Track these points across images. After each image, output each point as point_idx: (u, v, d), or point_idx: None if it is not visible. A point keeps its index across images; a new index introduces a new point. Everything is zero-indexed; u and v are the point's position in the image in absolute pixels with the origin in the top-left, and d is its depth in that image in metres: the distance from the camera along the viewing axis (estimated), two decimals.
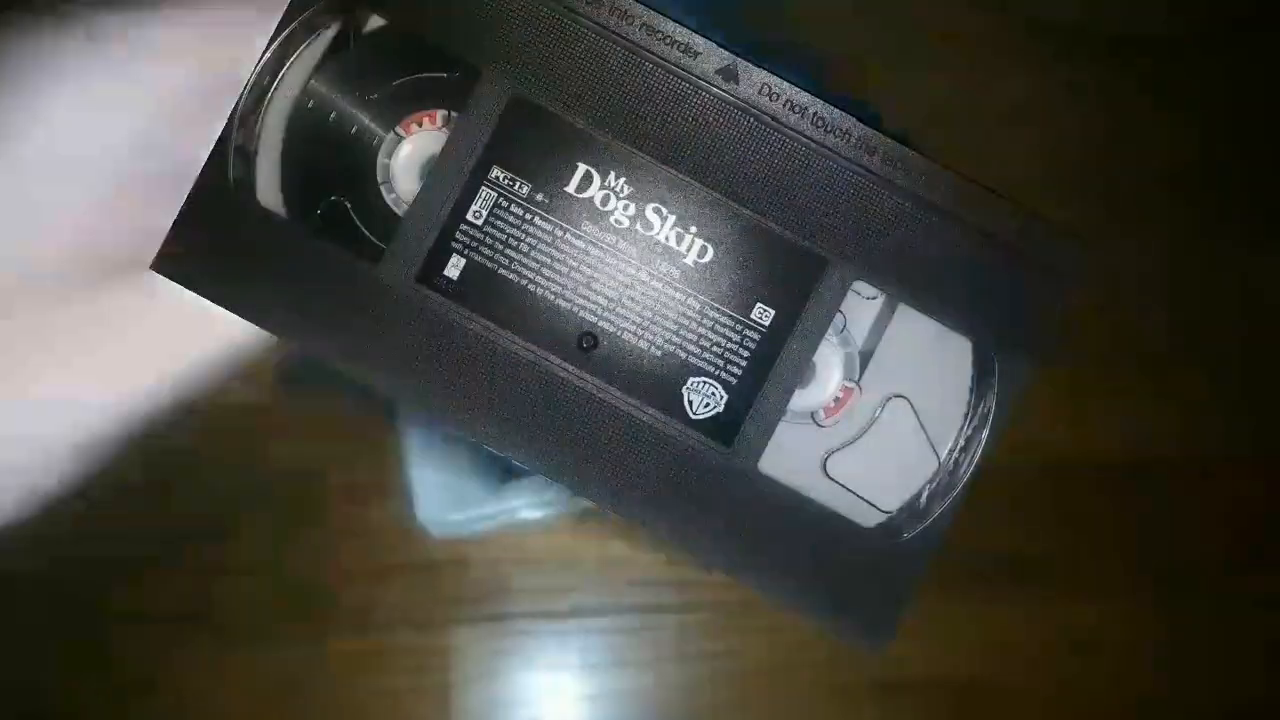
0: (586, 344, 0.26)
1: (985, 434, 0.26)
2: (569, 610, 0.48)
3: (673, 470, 0.26)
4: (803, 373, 0.26)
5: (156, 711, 0.46)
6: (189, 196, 0.25)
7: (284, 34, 0.26)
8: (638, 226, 0.26)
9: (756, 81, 0.26)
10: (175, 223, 0.25)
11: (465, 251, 0.26)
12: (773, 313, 0.26)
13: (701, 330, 0.26)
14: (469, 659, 0.48)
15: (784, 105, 0.26)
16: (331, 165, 0.27)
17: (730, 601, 0.48)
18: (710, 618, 0.48)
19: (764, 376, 0.26)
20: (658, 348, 0.26)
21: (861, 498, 0.27)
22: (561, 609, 0.48)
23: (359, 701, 0.47)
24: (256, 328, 0.25)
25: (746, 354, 0.26)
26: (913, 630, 0.47)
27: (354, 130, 0.27)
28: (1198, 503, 0.51)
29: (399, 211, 0.27)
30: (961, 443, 0.27)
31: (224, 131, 0.25)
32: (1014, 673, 0.49)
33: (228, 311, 0.25)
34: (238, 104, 0.25)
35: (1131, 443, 0.51)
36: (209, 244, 0.25)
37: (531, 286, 0.26)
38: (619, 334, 0.26)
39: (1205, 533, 0.51)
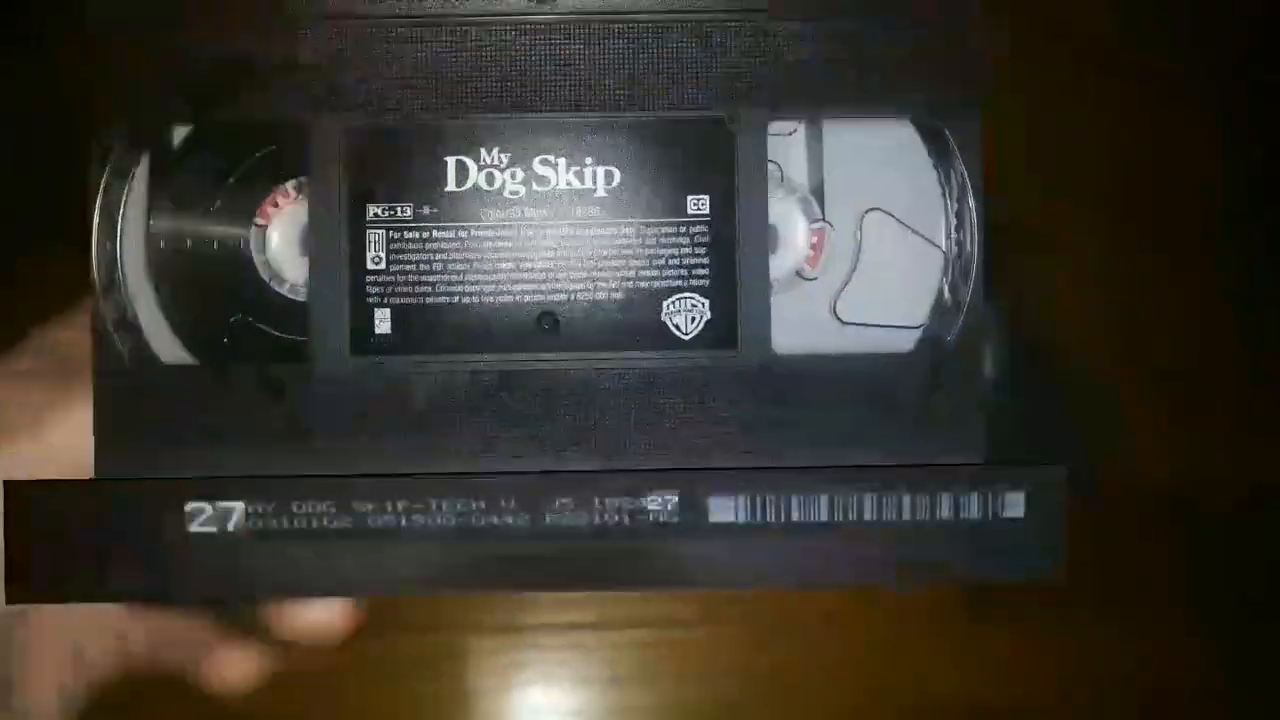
0: (547, 325, 0.24)
1: (971, 200, 0.24)
2: (591, 622, 0.48)
3: (701, 402, 0.24)
4: (767, 240, 0.24)
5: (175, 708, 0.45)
6: (96, 401, 0.23)
7: (99, 193, 0.24)
8: (535, 186, 0.24)
9: None
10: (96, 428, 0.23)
11: (385, 301, 0.24)
12: (706, 198, 0.24)
13: (648, 251, 0.24)
14: (489, 669, 0.47)
15: None
16: (214, 290, 0.25)
17: (759, 616, 0.48)
18: (738, 632, 0.48)
19: (732, 263, 0.24)
20: (617, 291, 0.24)
21: (889, 326, 0.25)
22: (584, 621, 0.48)
23: (380, 706, 0.47)
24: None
25: (704, 250, 0.24)
26: (950, 656, 0.48)
27: (215, 245, 0.25)
28: (1251, 533, 0.50)
29: (301, 298, 0.25)
30: (954, 220, 0.25)
31: (94, 321, 0.23)
32: (1051, 700, 0.49)
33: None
34: (94, 283, 0.23)
35: (1180, 471, 0.50)
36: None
37: (465, 299, 0.24)
38: (573, 299, 0.24)
39: (1256, 565, 0.50)
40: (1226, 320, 0.52)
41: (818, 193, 0.26)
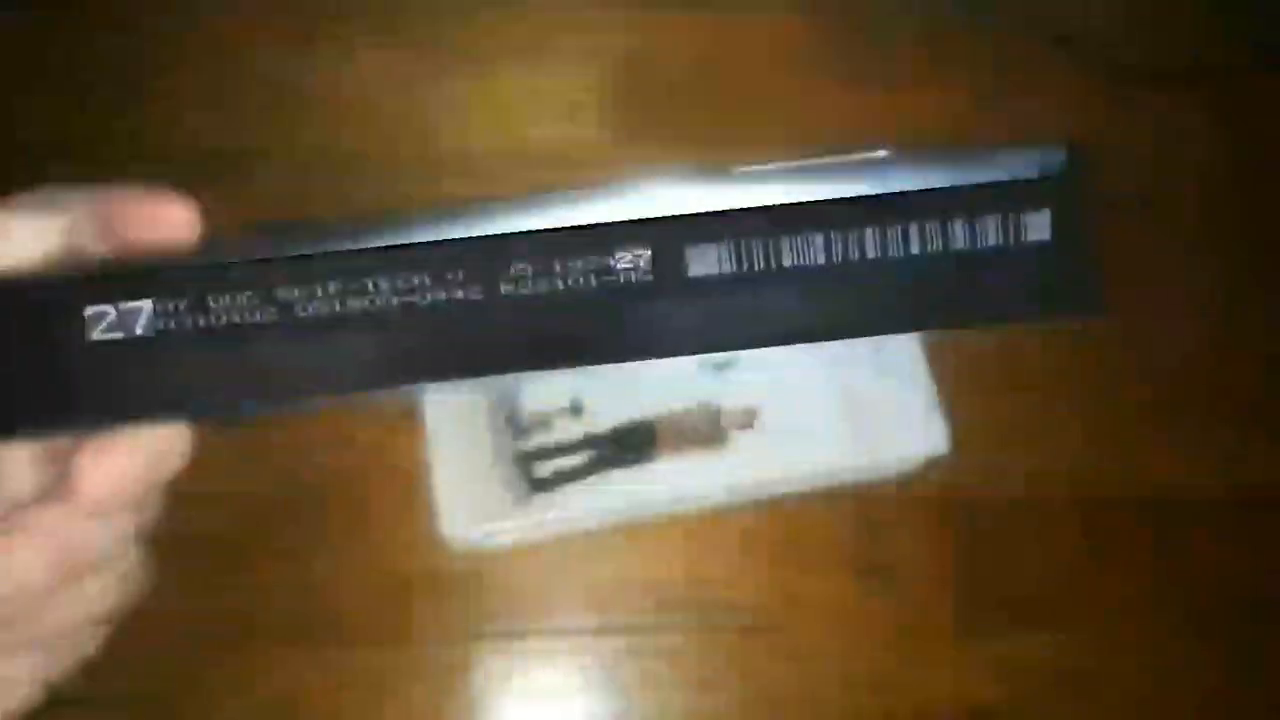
0: None
1: None
2: (594, 628, 0.47)
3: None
4: None
5: None
6: None
7: None
8: None
9: None
10: None
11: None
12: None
13: None
14: (490, 676, 0.46)
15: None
16: None
17: (761, 625, 0.47)
18: (739, 640, 0.46)
19: None
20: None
21: None
22: (586, 626, 0.46)
23: (378, 715, 0.45)
24: None
25: None
26: (949, 658, 0.46)
27: None
28: (1248, 533, 0.49)
29: None
30: None
31: None
32: (1049, 702, 0.47)
33: None
34: None
35: (1178, 475, 0.49)
36: None
37: None
38: None
39: (1255, 566, 0.49)
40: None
41: None
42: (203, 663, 0.45)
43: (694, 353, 0.20)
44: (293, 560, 0.46)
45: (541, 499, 0.43)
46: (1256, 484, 0.49)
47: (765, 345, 0.20)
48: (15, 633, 0.22)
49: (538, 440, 0.43)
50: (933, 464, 0.45)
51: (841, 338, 0.20)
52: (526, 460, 0.43)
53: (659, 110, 0.52)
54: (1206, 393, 0.49)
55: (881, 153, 0.26)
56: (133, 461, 0.21)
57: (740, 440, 0.43)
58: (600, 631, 0.46)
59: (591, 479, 0.43)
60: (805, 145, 0.51)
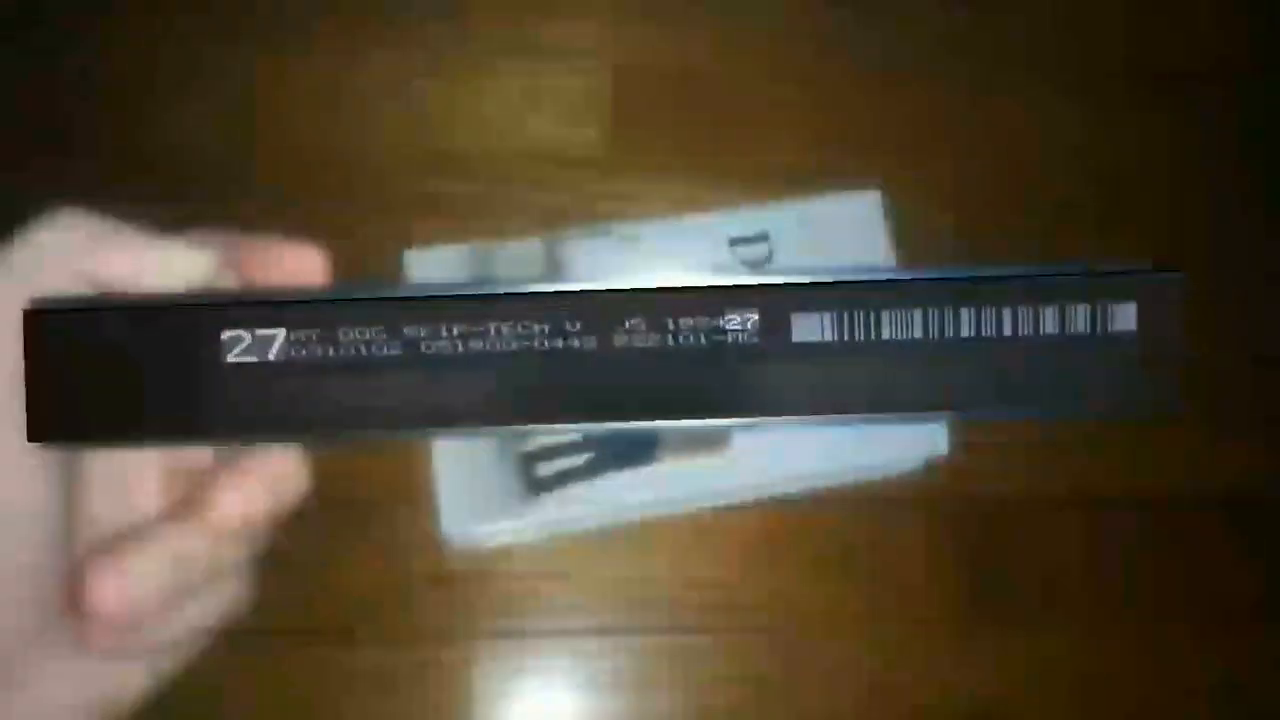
0: None
1: None
2: (595, 629, 0.47)
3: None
4: None
5: None
6: None
7: None
8: None
9: None
10: None
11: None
12: None
13: None
14: (491, 675, 0.46)
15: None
16: None
17: (763, 625, 0.47)
18: (741, 640, 0.47)
19: None
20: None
21: None
22: (587, 627, 0.47)
23: (379, 713, 0.46)
24: None
25: None
26: (951, 659, 0.47)
27: None
28: (1249, 536, 0.49)
29: None
30: None
31: None
32: (1051, 701, 0.48)
33: None
34: None
35: (1178, 475, 0.50)
36: None
37: None
38: None
39: (1255, 566, 0.49)
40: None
41: None
42: (203, 663, 0.45)
43: (795, 414, 0.21)
44: (294, 560, 0.46)
45: (543, 499, 0.43)
46: (1257, 484, 0.49)
47: (859, 412, 0.21)
48: (130, 640, 0.23)
49: (539, 441, 0.43)
50: (933, 465, 0.45)
51: (927, 411, 0.22)
52: (528, 461, 0.43)
53: (658, 113, 0.52)
54: (1206, 393, 0.50)
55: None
56: (262, 490, 0.23)
57: (741, 441, 0.43)
58: (601, 632, 0.46)
59: (593, 480, 0.43)
60: (808, 149, 0.52)
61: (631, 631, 0.46)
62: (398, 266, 0.45)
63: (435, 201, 0.49)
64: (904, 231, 0.47)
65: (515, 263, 0.46)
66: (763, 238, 0.46)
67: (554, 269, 0.45)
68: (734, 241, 0.46)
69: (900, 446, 0.44)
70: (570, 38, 0.53)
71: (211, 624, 0.25)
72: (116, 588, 0.22)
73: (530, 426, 0.21)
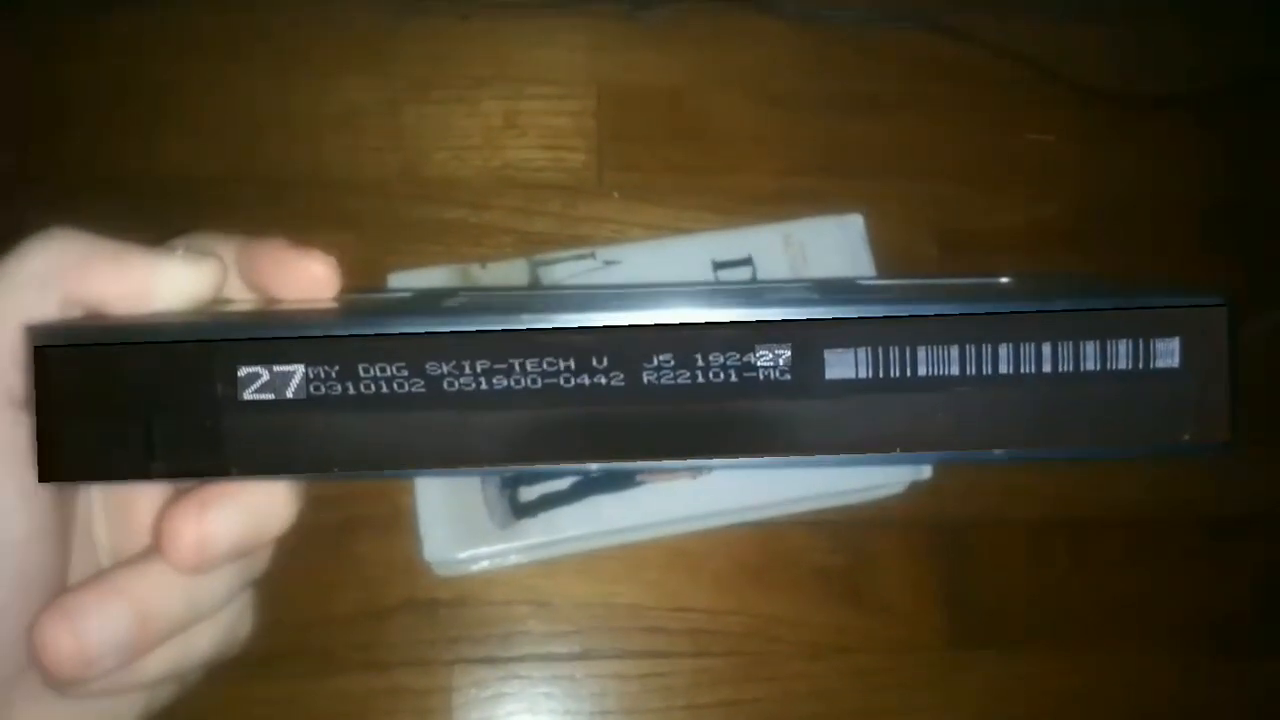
0: None
1: None
2: (577, 654, 0.46)
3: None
4: None
5: None
6: None
7: None
8: None
9: None
10: None
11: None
12: None
13: None
14: (472, 702, 0.45)
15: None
16: None
17: (746, 650, 0.47)
18: (724, 665, 0.46)
19: None
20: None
21: None
22: (569, 652, 0.46)
23: None
24: None
25: None
26: (933, 685, 0.46)
27: None
28: (1240, 554, 0.50)
29: None
30: None
31: None
32: None
33: None
34: None
35: (1161, 496, 0.50)
36: None
37: None
38: None
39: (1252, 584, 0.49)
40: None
41: None
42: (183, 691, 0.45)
43: (827, 453, 0.21)
44: (274, 587, 0.45)
45: (526, 524, 0.42)
46: (1238, 505, 0.50)
47: (894, 451, 0.21)
48: (115, 679, 0.22)
49: None
50: (917, 488, 0.45)
51: (965, 450, 0.21)
52: (511, 485, 0.43)
53: (642, 138, 0.52)
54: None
55: (1004, 280, 0.26)
56: (227, 525, 0.22)
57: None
58: (585, 657, 0.46)
59: (576, 504, 0.43)
60: (789, 173, 0.52)
61: (613, 656, 0.46)
62: (382, 291, 0.45)
63: (420, 226, 0.49)
64: (887, 255, 0.47)
65: (499, 286, 0.46)
66: (746, 261, 0.46)
67: (538, 292, 0.45)
68: (717, 265, 0.46)
69: (884, 471, 0.44)
70: (554, 63, 0.53)
71: (210, 656, 0.24)
72: (70, 646, 0.21)
73: (558, 467, 0.21)
